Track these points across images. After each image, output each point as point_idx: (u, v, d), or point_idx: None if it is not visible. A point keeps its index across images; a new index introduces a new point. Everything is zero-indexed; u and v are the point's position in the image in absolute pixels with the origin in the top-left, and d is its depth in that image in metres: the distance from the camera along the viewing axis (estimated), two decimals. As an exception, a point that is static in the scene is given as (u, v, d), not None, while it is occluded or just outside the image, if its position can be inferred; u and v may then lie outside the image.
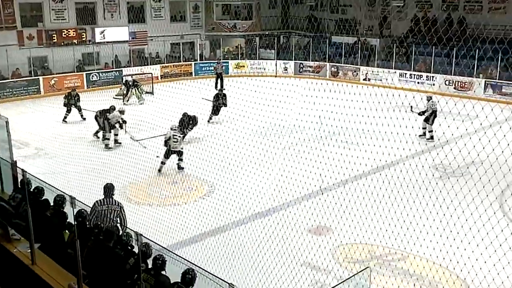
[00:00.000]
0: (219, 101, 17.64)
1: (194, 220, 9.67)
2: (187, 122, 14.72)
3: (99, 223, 6.97)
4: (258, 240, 8.65)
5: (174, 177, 12.39)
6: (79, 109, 18.08)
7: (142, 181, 12.05)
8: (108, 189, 7.99)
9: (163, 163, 12.71)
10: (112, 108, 15.10)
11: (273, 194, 10.67)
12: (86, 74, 23.92)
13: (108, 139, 14.88)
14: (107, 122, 14.84)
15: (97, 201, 7.84)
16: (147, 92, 22.12)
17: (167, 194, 11.61)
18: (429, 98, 15.35)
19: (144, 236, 5.06)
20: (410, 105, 13.08)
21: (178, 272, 5.45)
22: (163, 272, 5.62)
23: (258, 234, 8.92)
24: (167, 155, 12.72)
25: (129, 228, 6.52)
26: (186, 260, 5.52)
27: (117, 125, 14.92)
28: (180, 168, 12.83)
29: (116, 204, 7.90)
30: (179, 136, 12.78)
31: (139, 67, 24.83)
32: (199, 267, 5.31)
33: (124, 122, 15.02)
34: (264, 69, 27.54)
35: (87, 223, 6.98)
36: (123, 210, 7.94)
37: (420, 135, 15.15)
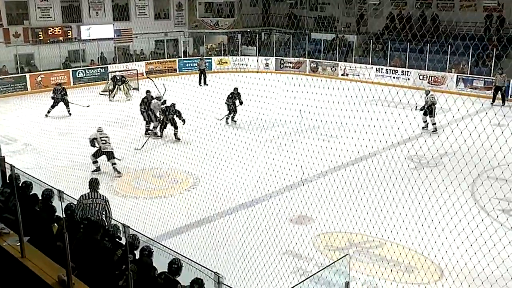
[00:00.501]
0: (234, 101, 16.48)
1: (180, 211, 9.64)
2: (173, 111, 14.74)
3: (85, 216, 6.99)
4: (242, 230, 8.66)
5: (160, 171, 12.32)
6: (66, 104, 17.88)
7: (128, 175, 11.96)
8: (93, 184, 7.92)
9: (95, 162, 12.06)
10: (151, 97, 15.23)
11: (256, 186, 10.68)
12: (72, 71, 23.61)
13: (156, 128, 14.98)
14: (151, 113, 14.94)
15: (82, 195, 7.76)
16: (133, 88, 21.91)
17: (153, 187, 11.55)
18: (427, 92, 15.26)
19: (131, 228, 5.03)
20: (416, 104, 13.29)
21: (165, 262, 5.44)
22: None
23: (242, 225, 8.94)
24: (96, 155, 12.05)
25: (116, 220, 6.48)
26: (173, 250, 5.51)
27: (158, 114, 14.97)
28: (116, 171, 11.98)
29: (101, 198, 7.83)
30: (107, 137, 12.08)
31: (124, 63, 24.60)
32: (185, 257, 5.30)
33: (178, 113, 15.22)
34: (246, 65, 27.47)
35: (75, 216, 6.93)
36: (108, 203, 7.87)
37: (423, 127, 14.84)
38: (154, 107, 14.96)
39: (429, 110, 14.92)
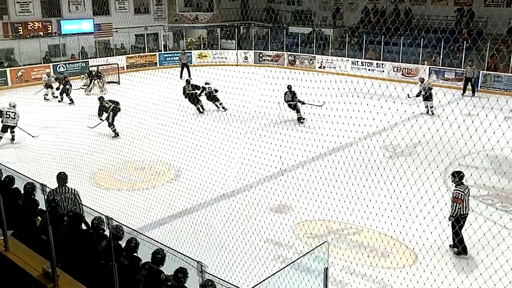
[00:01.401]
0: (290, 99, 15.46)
1: (162, 203, 9.60)
2: None
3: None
4: (224, 220, 8.67)
5: (142, 163, 12.24)
6: (68, 93, 18.55)
7: (110, 167, 11.85)
8: (61, 179, 7.53)
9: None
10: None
11: (236, 177, 10.69)
12: (53, 65, 23.22)
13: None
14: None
15: (50, 191, 7.22)
16: (113, 82, 21.69)
17: (135, 179, 11.47)
18: (422, 80, 16.18)
19: (114, 220, 5.00)
20: (407, 94, 14.04)
21: (149, 253, 5.42)
22: (135, 254, 5.58)
23: (223, 215, 8.94)
24: (2, 130, 13.90)
25: (100, 213, 6.43)
26: (156, 241, 5.49)
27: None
28: (13, 139, 14.00)
29: (70, 192, 7.47)
30: (14, 113, 13.87)
31: (105, 58, 24.28)
32: (168, 247, 5.29)
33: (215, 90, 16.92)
34: (226, 58, 27.36)
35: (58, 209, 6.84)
36: (78, 196, 7.48)
37: (427, 112, 15.15)
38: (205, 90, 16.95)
39: (428, 95, 15.55)
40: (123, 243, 5.69)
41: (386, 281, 7.28)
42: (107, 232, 5.74)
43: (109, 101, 14.89)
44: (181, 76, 23.35)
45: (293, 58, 26.53)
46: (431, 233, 7.34)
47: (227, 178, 10.56)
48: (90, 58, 24.49)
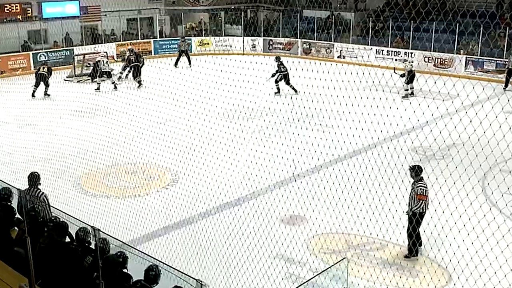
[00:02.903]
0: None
1: (157, 212, 9.62)
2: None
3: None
4: (227, 232, 8.68)
5: (133, 167, 12.28)
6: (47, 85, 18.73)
7: (98, 171, 11.90)
8: (33, 178, 7.83)
9: None
10: None
11: (242, 182, 10.69)
12: (33, 53, 23.37)
13: None
14: None
15: (20, 192, 7.19)
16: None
17: (126, 184, 11.51)
18: (403, 60, 18.57)
19: (102, 231, 5.02)
20: (394, 68, 16.50)
21: (141, 269, 5.43)
22: (124, 270, 5.60)
23: (227, 226, 8.95)
24: None
25: (86, 223, 6.46)
26: (149, 255, 5.51)
27: None
28: None
29: (36, 195, 7.69)
30: None
31: (93, 45, 24.38)
32: (163, 263, 5.30)
33: None
34: (231, 46, 27.37)
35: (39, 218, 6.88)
36: (47, 199, 7.75)
37: (410, 94, 17.65)
38: None
39: (410, 76, 18.02)
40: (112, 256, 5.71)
41: (415, 305, 7.24)
42: (93, 246, 5.76)
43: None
44: (176, 64, 23.47)
45: (308, 46, 26.52)
46: (467, 249, 7.29)
47: (231, 184, 10.56)
48: (76, 45, 24.61)
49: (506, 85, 19.31)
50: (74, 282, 5.60)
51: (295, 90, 17.74)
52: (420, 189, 8.36)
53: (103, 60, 20.24)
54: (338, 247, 8.72)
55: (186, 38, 26.05)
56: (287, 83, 18.12)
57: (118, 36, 26.65)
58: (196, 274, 6.46)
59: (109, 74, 20.11)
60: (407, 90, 17.97)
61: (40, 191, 7.84)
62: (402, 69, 18.83)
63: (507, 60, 19.91)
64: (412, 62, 19.04)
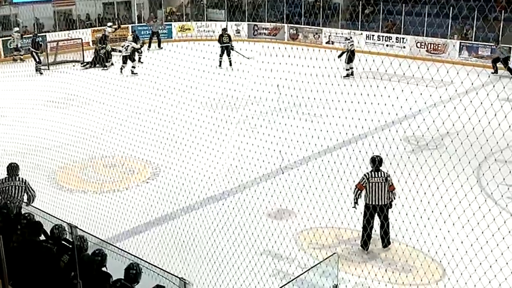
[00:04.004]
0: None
1: (137, 207, 9.60)
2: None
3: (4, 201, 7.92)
4: (212, 228, 8.69)
5: (112, 160, 12.22)
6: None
7: (74, 165, 11.83)
8: (12, 169, 8.48)
9: None
10: None
11: (227, 175, 10.69)
12: (1, 40, 23.09)
13: None
14: None
15: (1, 180, 8.48)
16: (76, 61, 21.66)
17: (104, 179, 11.46)
18: (345, 39, 20.14)
19: (79, 228, 5.00)
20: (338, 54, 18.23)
21: (121, 268, 5.43)
22: (103, 269, 5.59)
23: (211, 221, 8.96)
24: None
25: (62, 220, 6.43)
26: (130, 253, 5.50)
27: None
28: None
29: (20, 180, 8.49)
30: None
31: (66, 31, 24.15)
32: (144, 260, 5.30)
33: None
34: (213, 32, 27.25)
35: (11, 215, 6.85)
36: (29, 185, 8.54)
37: (344, 76, 18.18)
38: None
39: (351, 55, 19.17)
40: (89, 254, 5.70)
41: (408, 301, 7.32)
42: (70, 243, 5.74)
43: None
44: (149, 46, 23.58)
45: (295, 32, 26.50)
46: (462, 242, 7.38)
47: (215, 178, 10.56)
48: (48, 31, 24.36)
49: (496, 71, 19.63)
50: (50, 282, 5.58)
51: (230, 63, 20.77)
52: (361, 177, 8.72)
53: (125, 45, 20.87)
54: (327, 242, 8.77)
55: (161, 20, 26.01)
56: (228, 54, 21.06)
57: (93, 22, 26.41)
58: (179, 272, 6.47)
59: (130, 59, 20.60)
60: (348, 70, 18.98)
61: (22, 178, 8.57)
62: (342, 48, 20.35)
63: (494, 46, 20.16)
64: (353, 41, 19.94)
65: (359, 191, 8.60)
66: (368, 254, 8.59)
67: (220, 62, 20.83)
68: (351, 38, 20.20)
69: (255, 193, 10.03)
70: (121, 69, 19.96)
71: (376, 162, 8.75)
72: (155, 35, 24.51)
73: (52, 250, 5.88)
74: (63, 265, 5.71)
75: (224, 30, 21.83)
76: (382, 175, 8.67)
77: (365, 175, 8.65)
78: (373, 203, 8.52)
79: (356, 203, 8.62)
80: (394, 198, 8.71)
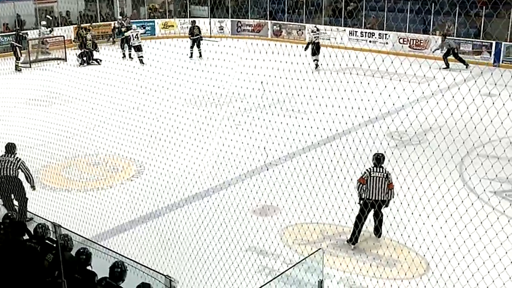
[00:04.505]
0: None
1: (121, 205, 9.56)
2: None
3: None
4: (197, 225, 8.68)
5: (95, 158, 12.15)
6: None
7: (57, 164, 11.75)
8: (9, 147, 9.82)
9: None
10: None
11: (211, 172, 10.68)
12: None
13: None
14: None
15: None
16: (58, 59, 21.50)
17: (88, 177, 11.40)
18: (312, 31, 20.99)
19: (63, 227, 4.97)
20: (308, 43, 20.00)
21: (106, 266, 5.41)
22: (88, 268, 5.56)
23: (196, 219, 8.95)
24: None
25: (45, 219, 6.39)
26: (114, 251, 5.48)
27: None
28: None
29: (15, 158, 9.73)
30: None
31: (48, 28, 23.94)
32: (129, 259, 5.29)
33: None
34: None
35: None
36: (24, 164, 9.71)
37: (315, 67, 19.71)
38: None
39: (316, 48, 20.08)
40: (73, 254, 5.67)
41: (392, 295, 7.38)
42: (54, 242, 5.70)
43: None
44: (121, 46, 23.80)
45: (278, 28, 26.50)
46: (445, 236, 7.44)
47: (200, 175, 10.54)
48: (29, 29, 24.12)
49: (447, 65, 20.09)
50: (34, 282, 5.54)
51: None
52: (363, 172, 8.93)
53: (132, 35, 22.22)
54: (312, 237, 8.81)
55: (127, 17, 26.51)
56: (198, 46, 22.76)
57: (75, 19, 26.18)
58: (165, 270, 6.46)
59: (138, 48, 21.99)
60: (315, 60, 19.98)
61: (17, 157, 9.81)
62: (307, 41, 21.25)
63: (444, 41, 20.76)
64: (318, 34, 21.01)
65: (362, 185, 8.77)
66: (353, 249, 8.64)
67: (191, 53, 22.49)
68: (317, 30, 21.12)
69: (240, 190, 10.03)
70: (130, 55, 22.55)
71: (380, 159, 8.96)
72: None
73: (36, 250, 5.83)
74: (47, 264, 5.68)
75: (193, 22, 23.86)
76: (384, 172, 8.83)
77: (367, 169, 8.83)
78: (373, 198, 8.67)
79: (361, 198, 8.76)
80: (393, 197, 8.82)
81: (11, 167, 9.64)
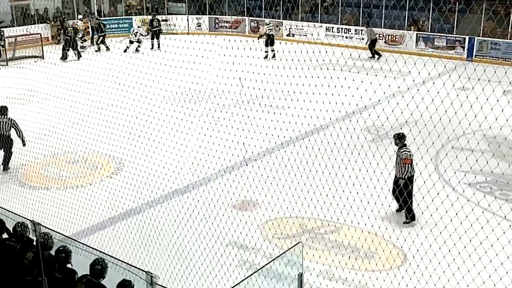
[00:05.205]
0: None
1: (101, 203, 9.49)
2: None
3: None
4: (177, 221, 8.65)
5: (74, 155, 12.04)
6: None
7: (36, 162, 11.62)
8: (3, 109, 11.41)
9: None
10: None
11: (191, 169, 10.66)
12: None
13: None
14: None
15: None
16: (35, 56, 21.25)
17: (67, 175, 11.30)
18: (266, 24, 22.23)
19: (42, 225, 4.92)
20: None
21: (87, 264, 5.37)
22: (68, 266, 5.52)
23: (176, 215, 8.92)
24: None
25: (24, 217, 6.31)
26: (95, 249, 5.44)
27: None
28: None
29: (8, 118, 11.44)
30: None
31: (24, 26, 23.63)
32: (110, 255, 5.25)
33: None
34: (174, 25, 27.06)
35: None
36: (16, 123, 11.41)
37: (265, 57, 20.49)
38: None
39: (270, 40, 21.18)
40: (52, 253, 5.61)
41: (371, 286, 7.44)
42: (34, 242, 5.64)
43: None
44: (92, 41, 24.34)
45: (256, 25, 26.47)
46: (422, 228, 7.54)
47: (179, 171, 10.51)
48: (5, 27, 23.77)
49: (373, 55, 20.64)
50: (14, 281, 5.48)
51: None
52: (404, 153, 8.99)
53: (134, 30, 23.87)
54: (292, 231, 8.84)
55: (95, 16, 26.30)
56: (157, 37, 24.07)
57: (52, 16, 25.87)
58: (146, 266, 6.43)
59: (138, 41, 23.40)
60: (266, 52, 20.95)
61: (9, 117, 11.50)
62: (261, 32, 22.90)
63: (366, 31, 21.51)
64: (272, 26, 22.24)
65: (409, 166, 9.00)
66: (331, 242, 8.69)
67: (152, 44, 23.94)
68: (270, 23, 22.31)
69: (220, 185, 10.02)
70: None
71: (402, 138, 9.22)
72: (95, 31, 24.65)
73: (16, 248, 5.77)
74: (27, 263, 5.62)
75: (154, 15, 25.11)
76: (407, 149, 9.15)
77: (407, 150, 9.05)
78: (412, 174, 9.05)
79: (404, 178, 9.01)
80: (414, 171, 9.10)
81: (5, 127, 11.36)
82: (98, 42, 24.06)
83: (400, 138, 9.22)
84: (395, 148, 9.26)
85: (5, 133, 11.41)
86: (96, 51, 23.56)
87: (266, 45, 21.31)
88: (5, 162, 11.60)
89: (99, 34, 24.24)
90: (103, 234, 8.77)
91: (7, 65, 20.60)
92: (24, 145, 11.38)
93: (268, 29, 21.84)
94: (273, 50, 21.08)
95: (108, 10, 27.84)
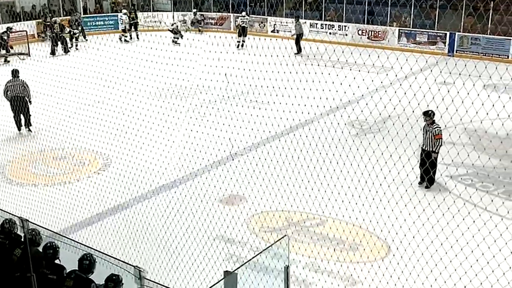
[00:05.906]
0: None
1: (89, 199, 9.45)
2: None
3: (14, 95, 12.64)
4: (165, 216, 8.63)
5: (62, 152, 11.95)
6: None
7: (23, 159, 11.53)
8: (15, 72, 12.78)
9: None
10: None
11: (178, 164, 10.63)
12: None
13: None
14: None
15: (8, 81, 12.78)
16: (22, 54, 21.02)
17: (54, 171, 11.22)
18: (239, 16, 23.41)
19: (30, 222, 4.88)
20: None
21: (75, 259, 5.34)
22: (56, 261, 5.49)
23: (164, 209, 8.90)
24: None
25: (12, 214, 6.26)
26: (83, 244, 5.42)
27: None
28: None
29: (20, 81, 12.73)
30: None
31: (10, 24, 23.38)
32: (98, 251, 5.23)
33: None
34: (160, 22, 26.96)
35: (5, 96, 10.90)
36: (26, 84, 12.73)
37: (236, 47, 21.92)
38: None
39: (243, 30, 22.65)
40: (39, 249, 5.58)
41: (356, 277, 7.49)
42: (22, 238, 5.60)
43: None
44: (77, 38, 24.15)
45: (240, 21, 26.41)
46: (405, 220, 7.58)
47: (166, 166, 10.48)
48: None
49: (299, 51, 20.77)
50: (3, 277, 5.44)
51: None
52: (437, 129, 9.68)
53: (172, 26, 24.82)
54: (278, 225, 8.86)
55: (77, 12, 26.30)
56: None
57: (37, 14, 25.62)
58: (134, 261, 6.41)
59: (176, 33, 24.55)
60: (239, 41, 22.64)
61: (21, 79, 12.77)
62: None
63: (295, 24, 21.76)
64: (245, 19, 23.48)
65: (441, 141, 9.68)
66: (317, 235, 8.72)
67: (131, 35, 25.33)
68: (243, 16, 23.33)
69: (207, 180, 10.02)
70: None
71: (432, 115, 9.70)
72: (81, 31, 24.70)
73: (5, 245, 5.72)
74: (16, 259, 5.58)
75: (132, 8, 26.64)
76: (438, 125, 9.73)
77: (438, 126, 9.65)
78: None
79: (437, 152, 9.75)
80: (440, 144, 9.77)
81: (19, 89, 12.60)
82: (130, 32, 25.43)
83: (429, 115, 9.68)
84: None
85: (20, 94, 12.54)
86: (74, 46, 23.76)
87: (239, 35, 23.00)
88: (26, 123, 12.78)
89: (131, 22, 25.56)
90: (91, 229, 8.73)
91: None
92: (30, 103, 12.78)
93: (242, 21, 23.39)
94: (244, 41, 22.71)
95: (94, 7, 27.61)
